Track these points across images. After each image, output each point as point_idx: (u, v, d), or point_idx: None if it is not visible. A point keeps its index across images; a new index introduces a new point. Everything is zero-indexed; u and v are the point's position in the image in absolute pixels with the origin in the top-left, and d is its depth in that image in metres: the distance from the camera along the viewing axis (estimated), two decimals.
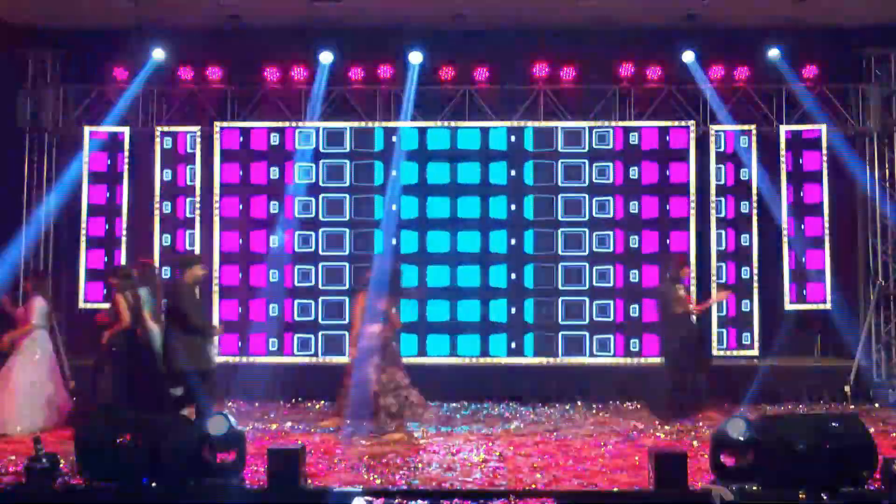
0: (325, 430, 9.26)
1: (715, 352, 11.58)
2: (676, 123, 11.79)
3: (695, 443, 8.43)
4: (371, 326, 8.97)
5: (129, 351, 9.09)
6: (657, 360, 10.88)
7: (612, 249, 11.67)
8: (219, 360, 11.21)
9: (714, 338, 11.61)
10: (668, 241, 11.65)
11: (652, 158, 11.75)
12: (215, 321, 11.21)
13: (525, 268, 11.70)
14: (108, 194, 11.94)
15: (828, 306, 11.55)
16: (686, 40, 11.54)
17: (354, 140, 11.84)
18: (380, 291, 9.08)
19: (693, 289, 11.46)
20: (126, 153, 11.93)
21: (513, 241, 11.72)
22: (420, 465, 7.60)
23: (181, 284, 8.86)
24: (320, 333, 11.65)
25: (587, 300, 11.63)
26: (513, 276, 11.70)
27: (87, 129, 11.95)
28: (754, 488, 6.25)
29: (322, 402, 10.84)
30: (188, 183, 11.90)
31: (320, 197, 11.84)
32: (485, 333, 11.63)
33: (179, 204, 11.91)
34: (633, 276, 11.63)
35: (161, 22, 11.31)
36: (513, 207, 11.77)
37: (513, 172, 11.78)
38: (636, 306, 11.57)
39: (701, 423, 9.44)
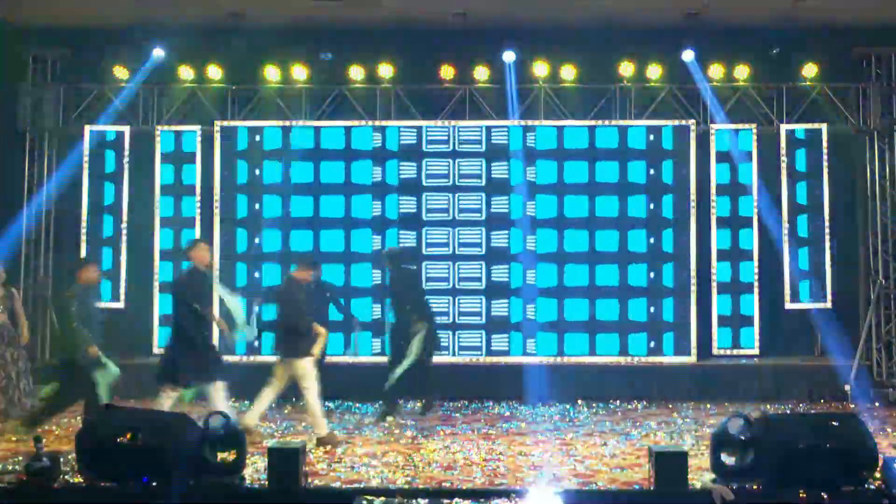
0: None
1: (715, 351, 11.60)
2: (676, 123, 11.79)
3: (695, 441, 8.44)
4: None
5: None
6: (657, 358, 10.83)
7: (612, 248, 11.67)
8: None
9: (714, 338, 11.61)
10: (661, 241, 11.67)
11: (650, 157, 11.73)
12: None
13: (537, 266, 11.69)
14: (108, 193, 11.94)
15: (828, 306, 11.55)
16: (686, 40, 11.53)
17: (352, 139, 11.87)
18: None
19: (693, 289, 11.48)
20: (126, 152, 11.94)
21: (522, 239, 11.72)
22: (420, 465, 7.60)
23: None
24: None
25: (587, 300, 11.64)
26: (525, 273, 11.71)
27: (87, 129, 11.95)
28: (754, 488, 6.25)
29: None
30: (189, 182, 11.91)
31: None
32: (489, 332, 11.64)
33: (180, 203, 11.91)
34: (632, 275, 11.64)
35: (161, 21, 11.30)
36: (524, 205, 11.77)
37: (517, 171, 11.79)
38: (634, 306, 11.57)
39: None
